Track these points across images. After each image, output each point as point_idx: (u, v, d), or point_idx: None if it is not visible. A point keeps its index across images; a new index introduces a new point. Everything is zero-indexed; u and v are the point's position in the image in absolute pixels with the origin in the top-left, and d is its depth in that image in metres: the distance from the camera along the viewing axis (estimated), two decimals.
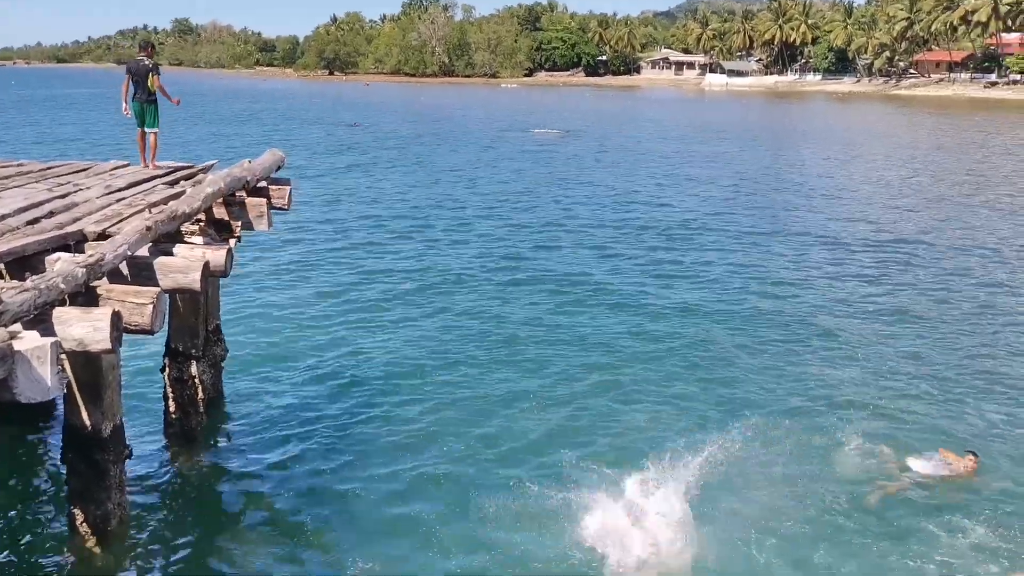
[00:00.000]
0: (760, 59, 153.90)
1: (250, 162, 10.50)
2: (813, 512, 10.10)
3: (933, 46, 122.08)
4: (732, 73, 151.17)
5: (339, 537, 9.42)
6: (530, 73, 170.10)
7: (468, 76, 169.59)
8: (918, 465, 11.17)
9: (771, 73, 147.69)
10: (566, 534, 9.29)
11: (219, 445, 11.63)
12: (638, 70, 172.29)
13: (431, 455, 11.34)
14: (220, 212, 9.61)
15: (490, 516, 9.80)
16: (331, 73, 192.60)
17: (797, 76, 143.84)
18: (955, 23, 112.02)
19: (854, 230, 26.81)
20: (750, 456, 11.34)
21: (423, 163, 43.35)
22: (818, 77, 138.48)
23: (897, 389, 14.02)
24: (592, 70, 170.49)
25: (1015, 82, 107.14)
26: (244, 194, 9.95)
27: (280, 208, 10.84)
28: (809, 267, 22.14)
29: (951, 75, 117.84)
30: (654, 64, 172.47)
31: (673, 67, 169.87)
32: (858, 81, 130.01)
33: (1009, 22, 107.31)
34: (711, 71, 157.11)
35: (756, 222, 28.03)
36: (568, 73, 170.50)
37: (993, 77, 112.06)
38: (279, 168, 11.47)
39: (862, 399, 13.55)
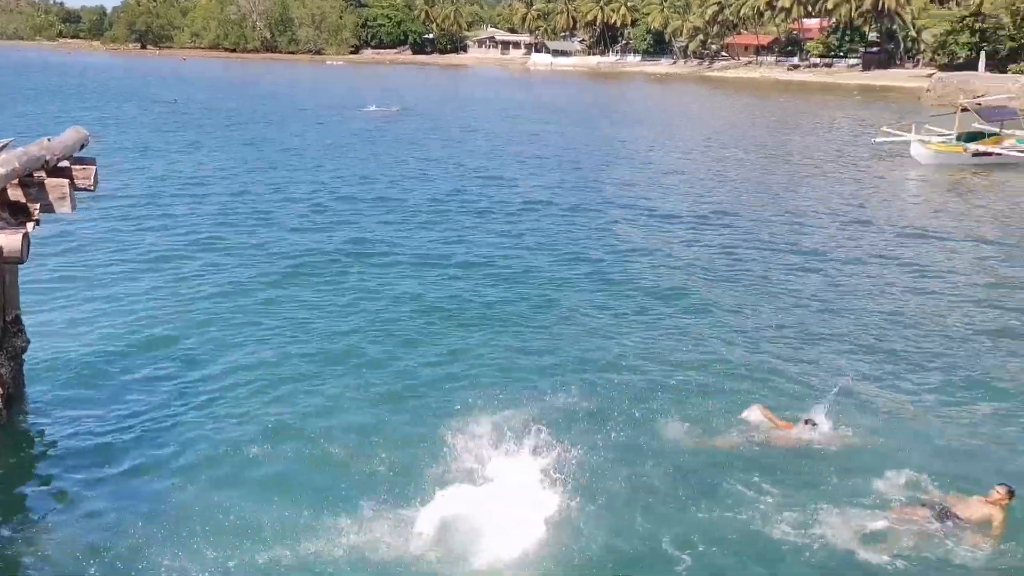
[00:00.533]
0: (583, 40, 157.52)
1: (50, 140, 9.78)
2: (646, 473, 10.58)
3: (742, 30, 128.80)
4: (557, 53, 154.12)
5: (148, 536, 8.98)
6: (356, 50, 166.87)
7: (292, 53, 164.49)
8: (736, 430, 11.81)
9: (594, 53, 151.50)
10: (408, 523, 9.27)
11: (20, 443, 10.88)
12: (465, 49, 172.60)
13: (252, 447, 11.01)
14: (16, 194, 8.93)
15: (319, 506, 9.65)
16: (143, 47, 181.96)
17: (618, 57, 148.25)
18: (762, 8, 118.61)
19: (675, 202, 28.07)
20: (580, 424, 11.73)
21: (250, 142, 41.83)
22: (638, 58, 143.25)
23: (719, 352, 14.84)
24: (419, 48, 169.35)
25: (815, 65, 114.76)
26: (44, 174, 9.27)
27: (85, 189, 10.19)
28: (637, 238, 23.03)
29: (758, 58, 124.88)
30: (481, 43, 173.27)
31: (499, 46, 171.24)
32: (675, 63, 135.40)
33: (809, 8, 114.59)
34: (536, 51, 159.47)
35: (586, 197, 28.83)
36: (395, 51, 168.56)
37: (795, 60, 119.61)
38: (83, 146, 10.76)
39: (690, 360, 14.29)
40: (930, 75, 75.60)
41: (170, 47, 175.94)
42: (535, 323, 16.11)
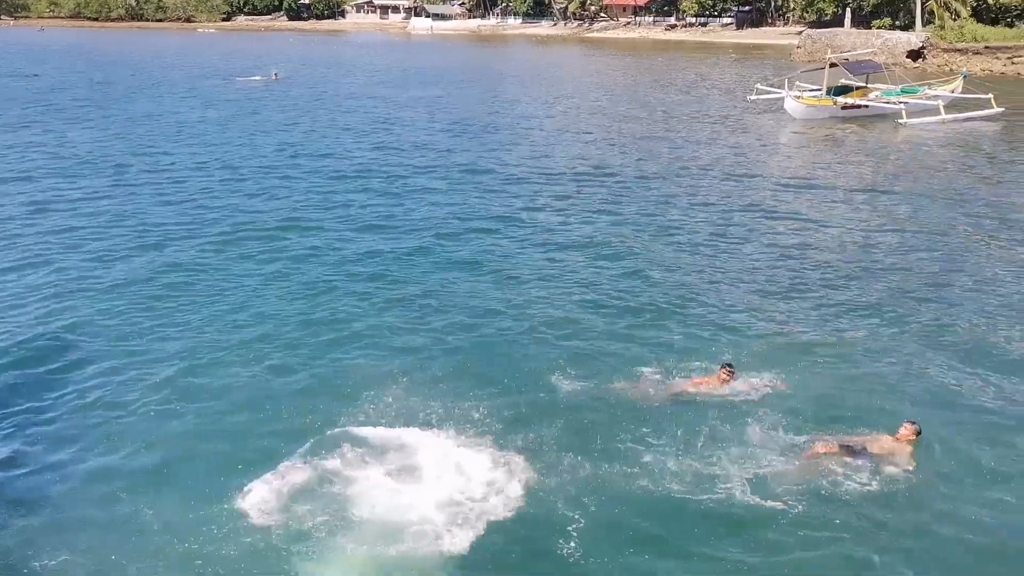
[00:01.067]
0: (463, 2, 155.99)
1: None
2: (545, 430, 10.87)
3: None
4: (437, 17, 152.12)
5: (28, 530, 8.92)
6: (228, 17, 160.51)
7: (160, 21, 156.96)
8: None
9: (474, 17, 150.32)
10: (318, 499, 9.40)
11: None
12: (343, 14, 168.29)
13: (135, 431, 10.96)
14: None
15: (211, 482, 9.71)
16: None
17: (499, 20, 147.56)
18: None
19: (564, 161, 28.40)
20: (475, 384, 11.97)
21: (119, 115, 39.96)
22: (519, 21, 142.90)
23: (615, 305, 15.25)
24: (295, 14, 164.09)
25: (690, 25, 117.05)
26: None
27: None
28: (529, 197, 23.24)
29: (636, 19, 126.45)
30: (359, 8, 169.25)
31: (378, 11, 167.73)
32: (555, 25, 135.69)
33: None
34: (416, 15, 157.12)
35: (477, 159, 28.83)
36: (269, 17, 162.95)
37: (672, 20, 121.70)
38: None
39: (585, 316, 14.64)
40: (800, 32, 78.15)
41: (26, 16, 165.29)
42: (426, 285, 16.25)
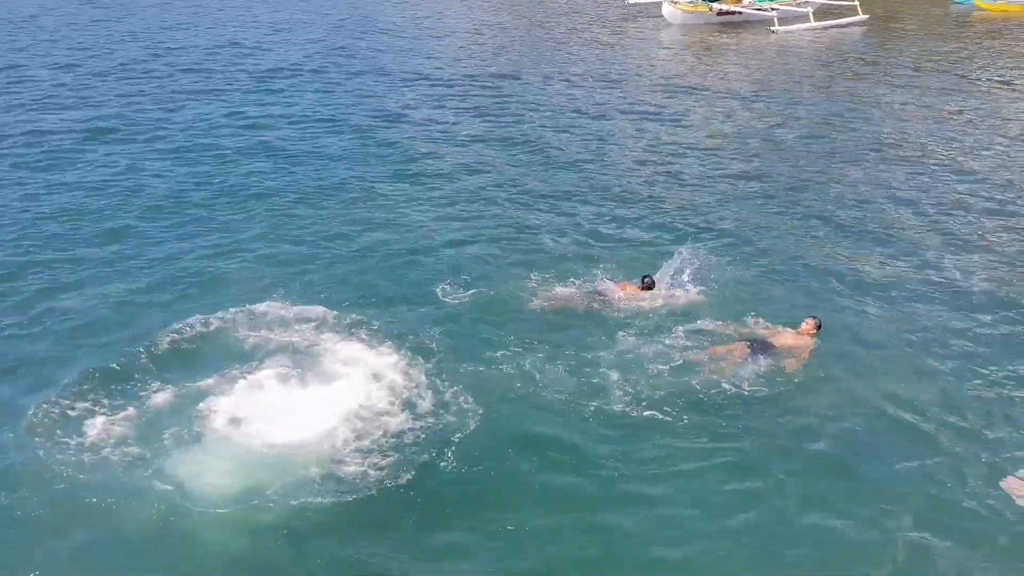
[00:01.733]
0: None
1: None
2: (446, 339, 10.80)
3: None
4: None
5: None
6: None
7: None
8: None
9: None
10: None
11: None
12: None
13: None
14: None
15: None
16: None
17: None
18: None
19: (445, 70, 27.76)
20: (371, 303, 11.74)
21: None
22: None
23: (503, 218, 15.15)
24: None
25: None
26: None
27: None
28: (397, 105, 22.71)
29: None
30: None
31: None
32: None
33: None
34: None
35: (348, 64, 27.85)
36: None
37: None
38: None
39: (470, 231, 14.49)
40: None
41: None
42: (303, 194, 15.75)
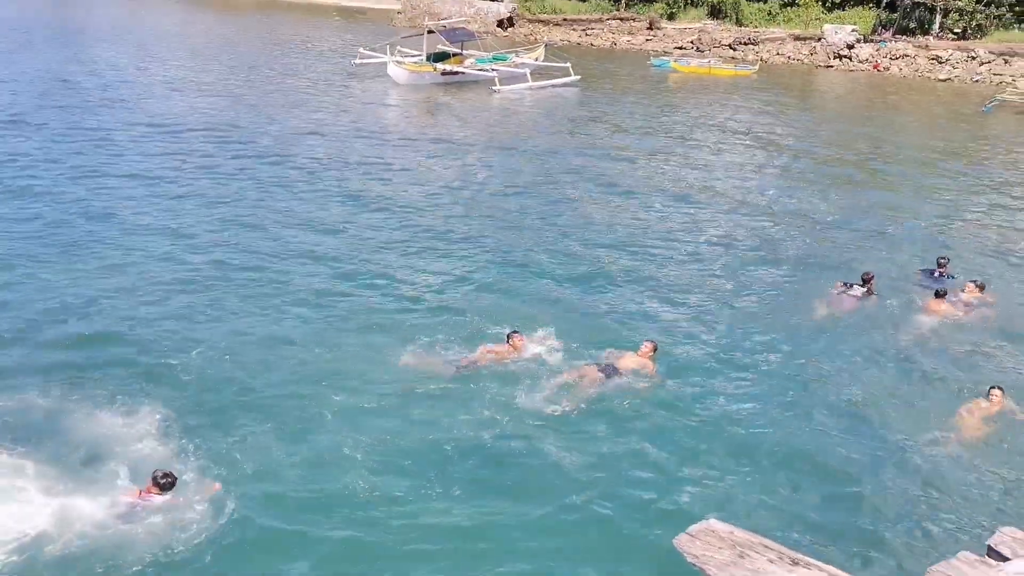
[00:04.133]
0: None
1: None
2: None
3: None
4: None
5: None
6: None
7: None
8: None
9: None
10: None
11: None
12: None
13: None
14: None
15: None
16: None
17: None
18: None
19: (183, 119, 26.73)
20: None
21: None
22: None
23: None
24: None
25: None
26: None
27: None
28: (121, 167, 21.60)
29: None
30: None
31: None
32: None
33: None
34: None
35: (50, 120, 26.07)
36: None
37: None
38: None
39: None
40: None
41: None
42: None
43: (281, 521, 8.77)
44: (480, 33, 48.40)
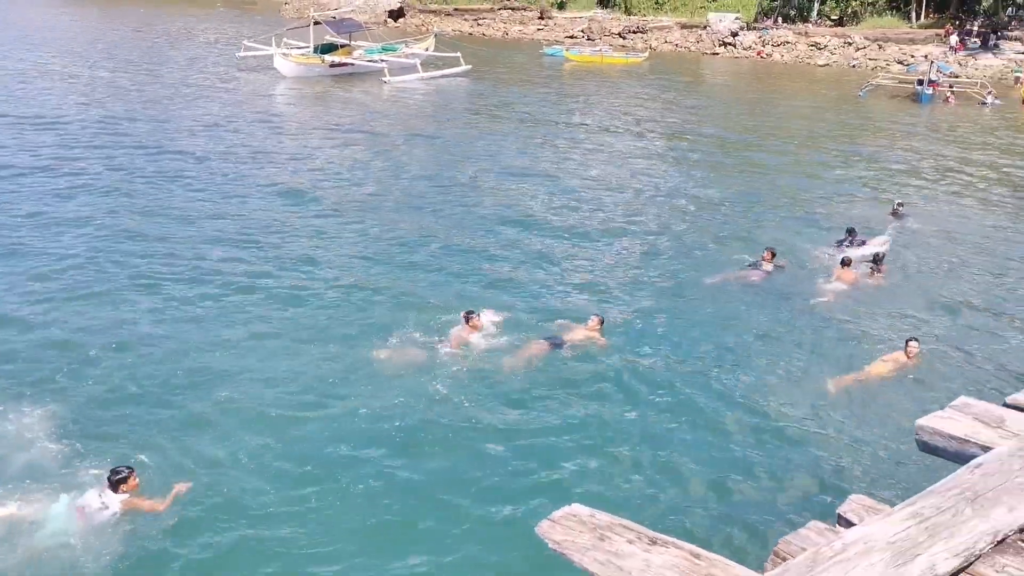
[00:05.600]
0: None
1: None
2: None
3: None
4: None
5: None
6: None
7: None
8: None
9: None
10: None
11: None
12: None
13: None
14: None
15: None
16: None
17: None
18: None
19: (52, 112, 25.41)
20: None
21: None
22: None
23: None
24: None
25: None
26: None
27: None
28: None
29: None
30: None
31: None
32: None
33: None
34: None
35: None
36: None
37: None
38: None
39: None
40: None
41: None
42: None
43: (224, 520, 8.44)
44: (369, 24, 47.75)
